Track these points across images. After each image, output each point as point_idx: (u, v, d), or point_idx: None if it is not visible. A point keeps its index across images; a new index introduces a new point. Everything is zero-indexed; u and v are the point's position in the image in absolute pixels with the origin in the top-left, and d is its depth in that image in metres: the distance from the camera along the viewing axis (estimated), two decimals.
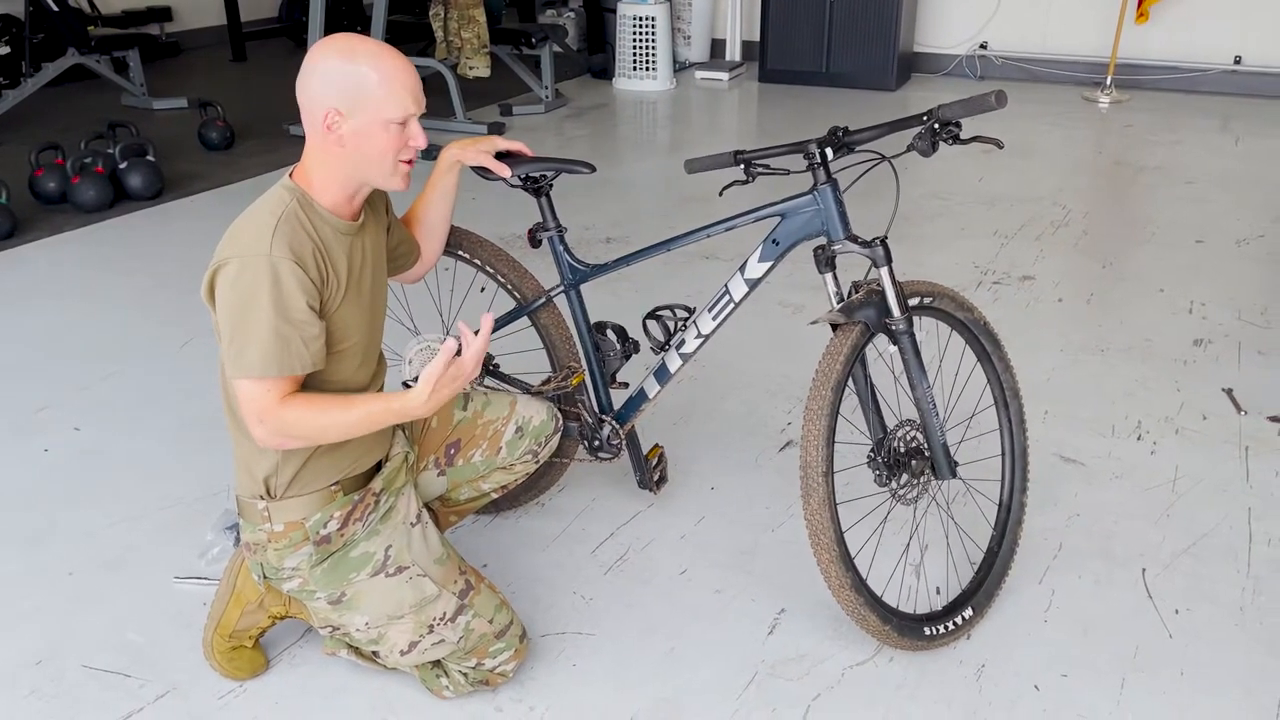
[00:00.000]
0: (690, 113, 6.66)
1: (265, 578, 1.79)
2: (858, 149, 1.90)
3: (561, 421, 2.10)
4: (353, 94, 1.56)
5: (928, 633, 1.95)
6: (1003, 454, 2.16)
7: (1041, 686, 1.91)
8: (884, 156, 1.89)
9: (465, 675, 1.85)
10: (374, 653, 1.84)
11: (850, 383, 1.88)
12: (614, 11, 7.06)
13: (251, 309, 1.54)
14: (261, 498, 1.71)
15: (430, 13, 6.02)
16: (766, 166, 1.97)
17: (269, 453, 1.68)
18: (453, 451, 1.98)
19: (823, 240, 1.92)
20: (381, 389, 1.87)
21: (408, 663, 1.83)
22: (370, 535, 1.77)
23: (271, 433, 1.59)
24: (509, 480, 2.04)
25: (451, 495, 2.02)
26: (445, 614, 1.79)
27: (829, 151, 1.88)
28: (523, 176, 2.07)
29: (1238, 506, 2.42)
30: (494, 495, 2.06)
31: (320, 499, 1.72)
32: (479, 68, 6.01)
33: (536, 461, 2.04)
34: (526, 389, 2.27)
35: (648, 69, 7.06)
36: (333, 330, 1.65)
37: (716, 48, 7.81)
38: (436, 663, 1.85)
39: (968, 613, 2.01)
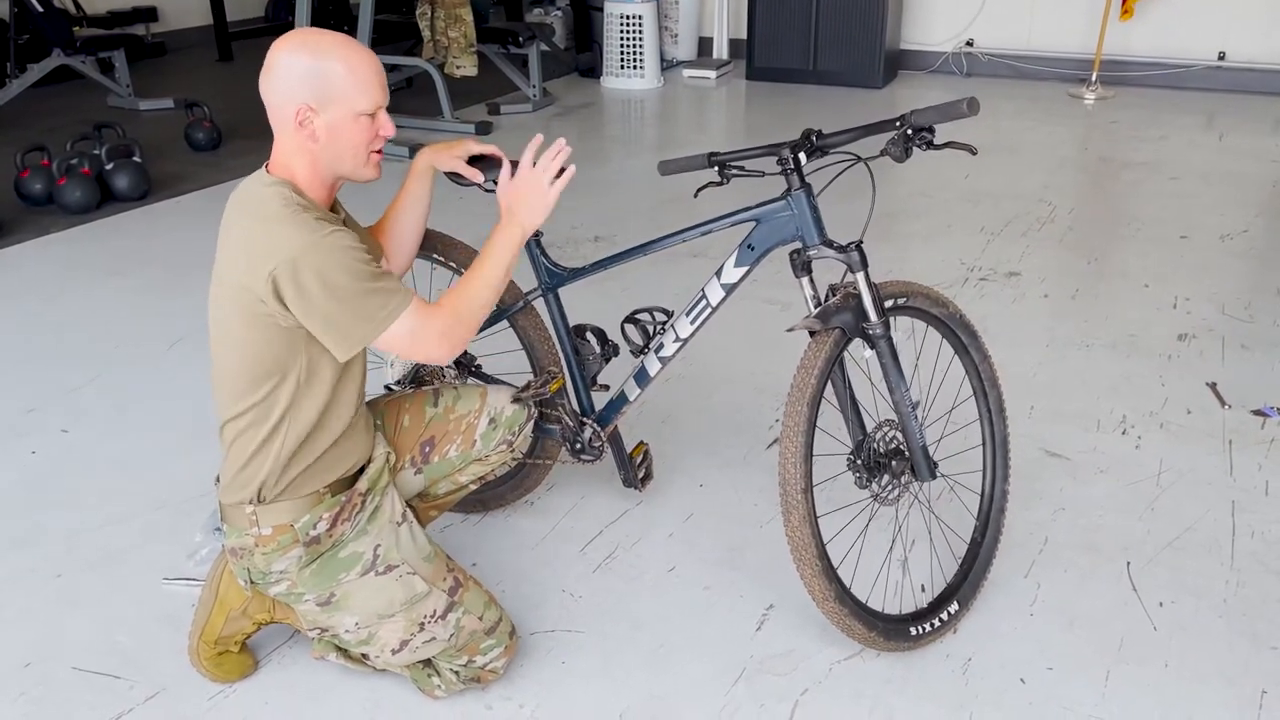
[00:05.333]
0: (678, 111, 6.67)
1: (252, 583, 1.79)
2: (831, 152, 1.89)
3: (535, 409, 2.10)
4: (323, 89, 1.59)
5: (914, 632, 1.96)
6: (983, 443, 2.16)
7: (1027, 679, 1.93)
8: (859, 158, 1.89)
9: (457, 673, 1.85)
10: (363, 654, 1.85)
11: (829, 386, 1.88)
12: (601, 10, 7.06)
13: (341, 284, 1.56)
14: (249, 502, 1.71)
15: (417, 12, 6.01)
16: (741, 169, 1.96)
17: (266, 460, 1.68)
18: (428, 449, 1.97)
19: (798, 245, 1.91)
20: (363, 390, 1.87)
21: (399, 662, 1.83)
22: (358, 535, 1.78)
23: (456, 336, 1.69)
24: (485, 471, 2.04)
25: (430, 491, 2.02)
26: (435, 611, 1.79)
27: (802, 156, 1.87)
28: (495, 181, 2.05)
29: (1221, 500, 2.44)
30: (472, 487, 2.06)
31: (308, 501, 1.73)
32: (466, 67, 6.01)
33: (512, 451, 2.04)
34: None
35: (635, 67, 7.06)
36: None
37: (704, 46, 7.81)
38: (427, 662, 1.86)
39: (953, 607, 2.02)
